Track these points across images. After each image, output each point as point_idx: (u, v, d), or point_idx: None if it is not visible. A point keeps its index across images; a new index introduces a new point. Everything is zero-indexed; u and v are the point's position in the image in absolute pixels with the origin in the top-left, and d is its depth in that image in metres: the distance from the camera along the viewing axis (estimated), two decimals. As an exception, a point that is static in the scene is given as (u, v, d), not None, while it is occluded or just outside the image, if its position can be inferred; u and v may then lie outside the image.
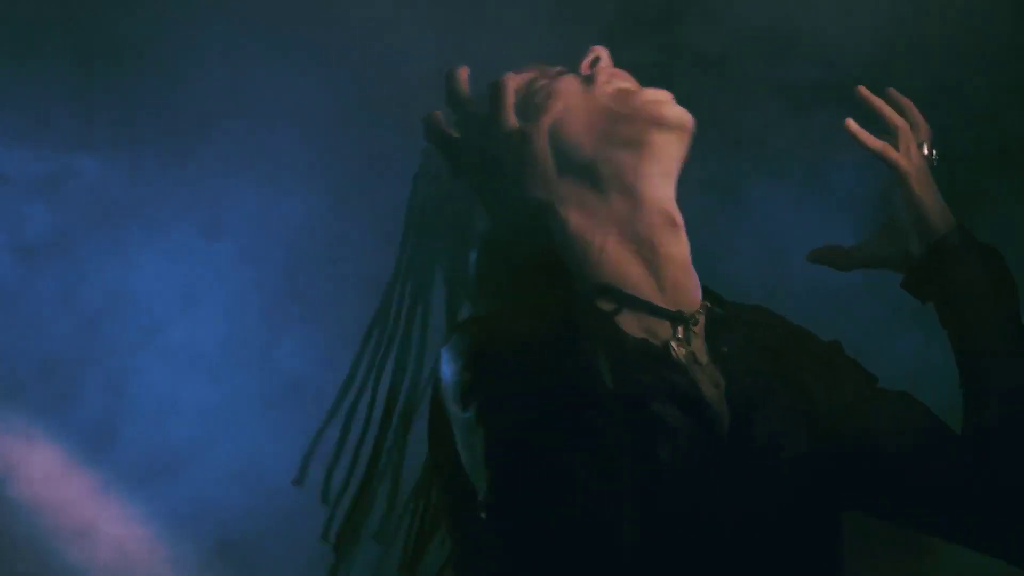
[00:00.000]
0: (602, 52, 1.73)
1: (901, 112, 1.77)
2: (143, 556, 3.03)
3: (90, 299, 3.05)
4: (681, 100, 1.66)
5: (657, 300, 1.62)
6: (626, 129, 1.64)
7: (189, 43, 2.99)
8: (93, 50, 3.02)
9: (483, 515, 1.48)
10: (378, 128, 2.92)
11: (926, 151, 1.77)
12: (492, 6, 2.90)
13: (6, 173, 3.05)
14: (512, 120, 1.65)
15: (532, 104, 1.67)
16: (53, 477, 3.00)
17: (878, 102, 1.75)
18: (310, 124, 3.02)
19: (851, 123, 1.72)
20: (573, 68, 1.71)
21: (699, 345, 1.64)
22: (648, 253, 1.62)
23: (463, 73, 1.68)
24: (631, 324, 1.61)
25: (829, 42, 2.90)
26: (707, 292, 1.69)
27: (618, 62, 1.72)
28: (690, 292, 1.65)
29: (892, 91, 1.78)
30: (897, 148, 1.73)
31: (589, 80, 1.69)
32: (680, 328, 1.62)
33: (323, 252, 3.05)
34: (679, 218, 1.65)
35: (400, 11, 2.95)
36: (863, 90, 1.75)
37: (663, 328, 1.62)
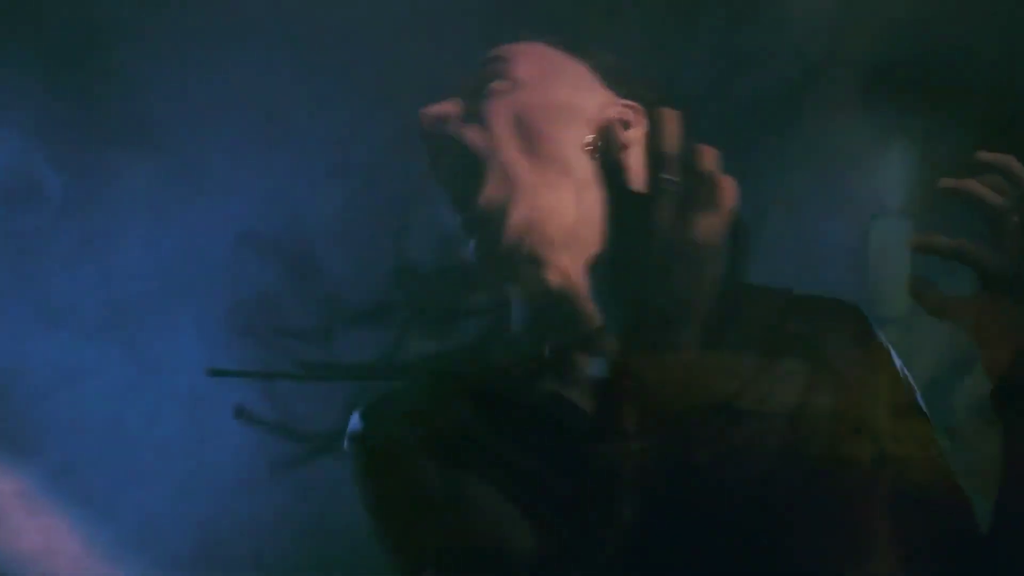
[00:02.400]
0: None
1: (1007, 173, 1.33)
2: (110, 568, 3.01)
3: (62, 302, 3.04)
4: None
5: None
6: None
7: (164, 43, 2.98)
8: (61, 50, 3.00)
9: None
10: (371, 129, 2.92)
11: None
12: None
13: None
14: None
15: None
16: (18, 492, 2.99)
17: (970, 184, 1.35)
18: (292, 124, 3.01)
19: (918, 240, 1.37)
20: None
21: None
22: None
23: None
24: None
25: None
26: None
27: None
28: None
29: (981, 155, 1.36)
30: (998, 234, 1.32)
31: None
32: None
33: (326, 254, 3.04)
34: None
35: (385, 10, 2.95)
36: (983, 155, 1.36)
37: None
